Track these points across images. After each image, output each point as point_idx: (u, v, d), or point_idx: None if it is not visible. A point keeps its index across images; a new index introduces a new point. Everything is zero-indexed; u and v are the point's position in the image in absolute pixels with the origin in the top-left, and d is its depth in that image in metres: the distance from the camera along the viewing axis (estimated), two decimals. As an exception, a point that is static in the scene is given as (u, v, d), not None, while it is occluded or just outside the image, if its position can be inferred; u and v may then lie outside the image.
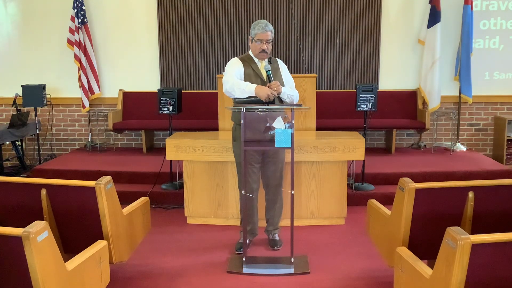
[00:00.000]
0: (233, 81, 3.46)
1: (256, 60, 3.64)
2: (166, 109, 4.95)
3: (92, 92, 6.22)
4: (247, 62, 3.64)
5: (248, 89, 3.39)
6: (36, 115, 5.78)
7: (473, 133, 6.32)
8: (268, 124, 3.26)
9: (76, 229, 2.94)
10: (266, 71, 3.52)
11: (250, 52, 3.67)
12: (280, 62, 3.78)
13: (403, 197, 2.77)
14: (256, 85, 3.42)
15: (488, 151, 6.30)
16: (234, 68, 3.58)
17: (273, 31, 3.60)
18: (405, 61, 6.19)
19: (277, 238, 3.87)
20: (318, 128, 4.75)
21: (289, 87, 3.70)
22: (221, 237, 4.04)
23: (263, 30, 3.52)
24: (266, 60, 3.64)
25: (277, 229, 3.88)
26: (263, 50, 3.55)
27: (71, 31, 6.06)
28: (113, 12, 6.24)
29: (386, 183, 4.97)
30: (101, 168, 5.21)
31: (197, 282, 3.25)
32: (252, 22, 3.72)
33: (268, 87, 3.41)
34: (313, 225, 4.28)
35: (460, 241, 2.01)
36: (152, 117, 5.98)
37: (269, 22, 5.93)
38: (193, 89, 6.28)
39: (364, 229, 3.90)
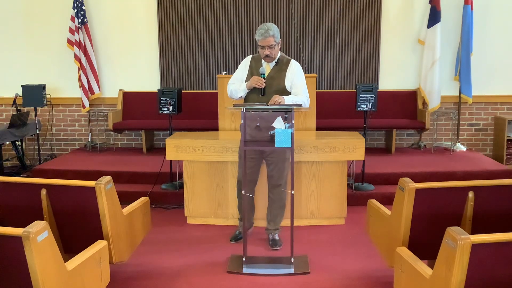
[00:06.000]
0: (232, 87, 3.83)
1: (263, 61, 3.77)
2: (166, 109, 4.95)
3: (92, 92, 6.22)
4: (255, 63, 3.81)
5: (243, 88, 3.75)
6: (36, 115, 5.78)
7: (473, 133, 6.32)
8: (261, 124, 3.34)
9: (76, 229, 2.94)
10: (261, 74, 3.65)
11: None
12: (292, 65, 3.75)
13: (403, 197, 2.77)
14: (246, 82, 3.74)
15: (488, 151, 6.30)
16: (237, 74, 3.89)
17: (275, 35, 3.61)
18: (405, 61, 6.18)
19: (277, 237, 3.87)
20: (318, 128, 4.75)
21: (295, 94, 3.69)
22: (221, 237, 4.04)
23: (263, 37, 3.60)
24: (274, 62, 3.76)
25: (277, 229, 3.89)
26: (267, 55, 3.67)
27: (71, 31, 6.06)
28: (113, 12, 6.24)
29: (386, 183, 4.97)
30: (101, 168, 5.21)
31: (197, 282, 3.25)
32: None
33: (269, 103, 3.55)
34: (313, 225, 4.28)
35: (460, 241, 2.01)
36: (152, 117, 5.98)
37: (269, 22, 5.89)
38: (193, 89, 6.28)
39: (364, 229, 3.89)
